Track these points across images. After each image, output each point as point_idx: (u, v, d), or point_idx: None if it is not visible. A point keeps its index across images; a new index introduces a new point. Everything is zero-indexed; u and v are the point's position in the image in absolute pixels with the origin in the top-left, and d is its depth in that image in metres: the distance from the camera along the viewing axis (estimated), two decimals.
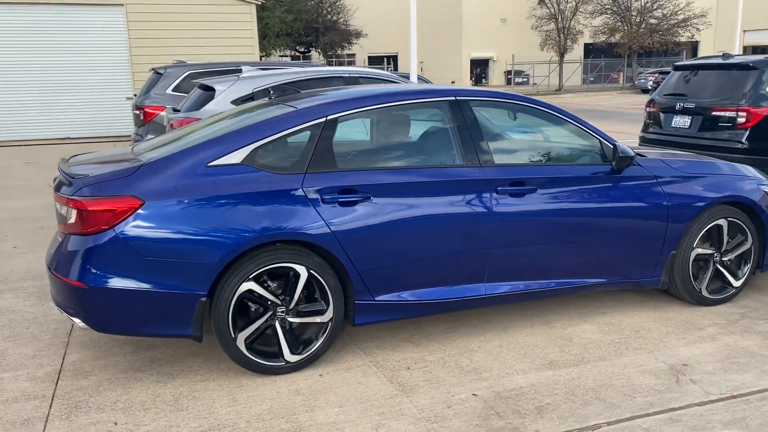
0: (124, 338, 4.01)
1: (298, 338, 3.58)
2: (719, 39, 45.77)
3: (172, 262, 3.28)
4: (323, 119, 3.64)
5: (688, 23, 39.67)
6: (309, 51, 44.61)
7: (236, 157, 3.47)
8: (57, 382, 3.49)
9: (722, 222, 4.36)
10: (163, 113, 9.17)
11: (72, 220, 3.31)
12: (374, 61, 54.04)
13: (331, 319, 3.58)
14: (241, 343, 3.43)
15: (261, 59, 25.48)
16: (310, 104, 3.74)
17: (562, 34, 39.22)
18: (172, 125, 6.49)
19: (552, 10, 39.25)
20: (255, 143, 3.51)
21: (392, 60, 55.63)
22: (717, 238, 4.41)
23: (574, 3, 39.26)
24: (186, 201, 3.31)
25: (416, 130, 4.08)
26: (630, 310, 4.40)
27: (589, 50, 45.78)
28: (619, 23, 40.84)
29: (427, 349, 3.84)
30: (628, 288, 4.35)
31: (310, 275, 3.48)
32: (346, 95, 3.89)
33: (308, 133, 3.61)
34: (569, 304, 4.49)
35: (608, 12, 40.89)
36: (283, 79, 6.53)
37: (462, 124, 3.86)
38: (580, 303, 4.51)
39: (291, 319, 3.52)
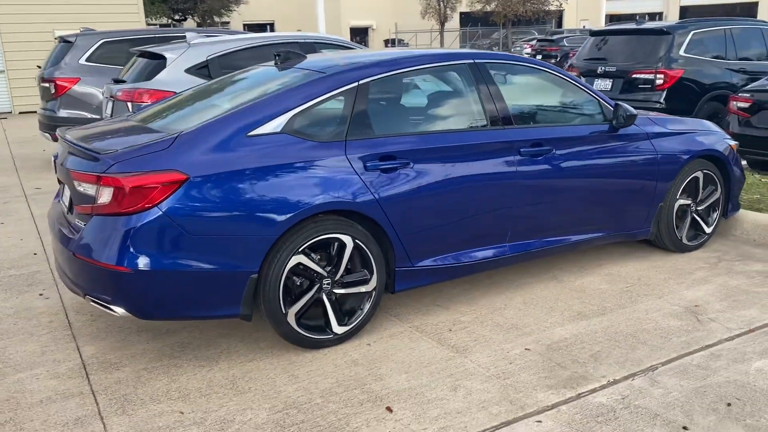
0: (138, 325, 3.74)
1: (341, 309, 3.51)
2: (581, 9, 48.63)
3: (221, 238, 3.10)
4: (356, 84, 3.54)
5: None
6: (185, 18, 42.45)
7: (275, 125, 3.31)
8: (88, 377, 3.21)
9: (699, 174, 4.73)
10: (76, 86, 8.48)
11: (104, 199, 3.03)
12: (250, 29, 52.37)
13: (374, 288, 3.53)
14: (291, 319, 3.31)
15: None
16: (339, 69, 3.61)
17: (441, 3, 39.93)
18: (116, 97, 6.01)
19: None
20: (292, 110, 3.36)
21: (269, 28, 54.20)
22: (694, 189, 4.78)
23: None
24: (231, 174, 3.12)
25: (442, 93, 4.06)
26: (621, 261, 4.69)
27: (467, 19, 46.99)
28: None
29: (458, 311, 3.90)
30: (623, 240, 4.63)
31: (355, 245, 3.41)
32: (374, 58, 3.79)
33: (343, 98, 3.51)
34: (565, 260, 4.70)
35: None
36: (238, 46, 6.22)
37: (484, 87, 3.89)
38: (573, 258, 4.74)
39: (337, 291, 3.44)
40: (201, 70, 6.02)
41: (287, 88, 3.46)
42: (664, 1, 50.22)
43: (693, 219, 4.82)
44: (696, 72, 8.55)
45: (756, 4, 45.22)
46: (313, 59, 4.02)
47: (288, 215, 3.18)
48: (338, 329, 3.45)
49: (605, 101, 4.34)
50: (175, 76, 5.90)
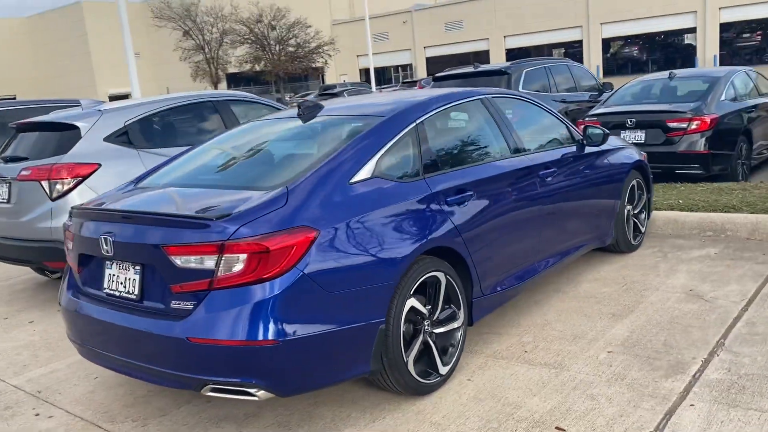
0: (206, 417, 3.27)
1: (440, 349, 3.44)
2: (339, 65, 51.71)
3: (353, 291, 2.92)
4: (415, 123, 3.58)
5: (321, 50, 43.92)
6: None
7: (367, 171, 3.23)
8: None
9: (635, 182, 5.46)
10: None
11: (233, 269, 2.67)
12: None
13: (463, 322, 3.54)
14: (411, 367, 3.18)
15: None
16: (394, 110, 3.60)
17: (212, 65, 39.67)
18: (22, 177, 5.15)
19: (198, 41, 39.42)
20: (376, 155, 3.30)
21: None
22: (632, 195, 5.49)
23: (218, 34, 40.06)
24: (350, 223, 2.96)
25: (474, 126, 4.20)
26: (594, 268, 5.18)
27: (238, 79, 47.17)
28: (261, 52, 43.08)
29: (513, 334, 4.02)
30: (598, 247, 5.15)
31: (447, 281, 3.40)
32: (417, 99, 3.84)
33: (409, 138, 3.51)
34: (548, 275, 5.07)
35: (248, 42, 42.80)
36: (153, 109, 5.73)
37: (499, 119, 4.16)
38: (553, 272, 5.12)
39: (436, 330, 3.39)
40: (120, 137, 5.43)
41: (360, 134, 3.36)
42: (413, 54, 55.42)
43: (634, 222, 5.53)
44: None
45: (487, 51, 51.99)
46: (341, 106, 3.97)
47: (403, 257, 3.10)
48: (443, 370, 3.38)
49: (570, 125, 4.87)
50: (94, 146, 5.23)
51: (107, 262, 3.13)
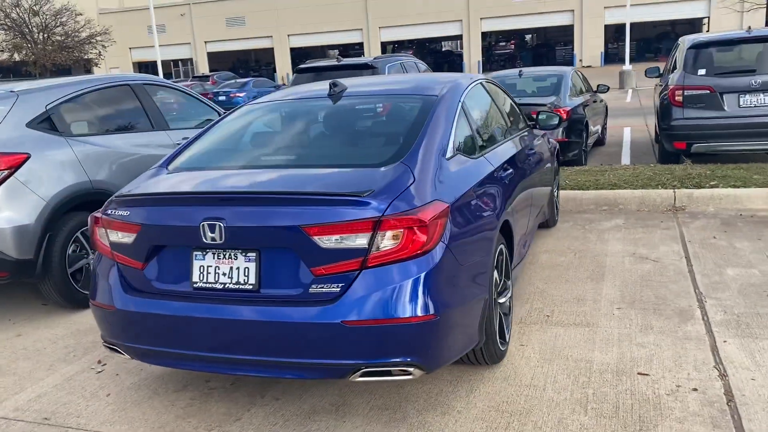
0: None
1: None
2: (112, 56, 47.92)
3: (472, 264, 2.96)
4: (460, 103, 3.65)
5: (93, 40, 40.26)
6: None
7: (451, 148, 3.26)
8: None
9: (557, 164, 6.07)
10: None
11: (388, 245, 2.57)
12: None
13: (511, 294, 3.72)
14: (497, 337, 3.30)
15: None
16: (442, 90, 3.64)
17: None
18: None
19: None
20: (450, 134, 3.34)
21: None
22: (555, 175, 6.10)
23: None
24: (460, 197, 2.99)
25: (491, 107, 4.33)
26: (534, 243, 5.67)
27: None
28: (20, 40, 38.25)
29: (525, 301, 4.31)
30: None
31: (505, 252, 3.57)
32: (447, 78, 3.90)
33: (463, 118, 3.60)
34: None
35: (4, 28, 37.74)
36: (75, 90, 4.98)
37: (498, 101, 4.42)
38: None
39: (500, 300, 3.53)
40: (43, 123, 4.63)
41: (431, 113, 3.34)
42: (193, 48, 53.25)
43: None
44: None
45: (272, 49, 51.83)
46: (380, 85, 3.99)
47: (494, 230, 3.22)
48: (507, 337, 3.55)
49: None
50: (17, 132, 4.40)
51: (197, 253, 2.77)
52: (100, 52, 41.21)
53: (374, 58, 10.30)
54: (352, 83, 3.97)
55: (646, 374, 3.26)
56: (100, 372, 3.72)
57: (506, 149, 4.04)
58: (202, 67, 52.40)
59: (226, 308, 2.69)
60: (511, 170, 3.83)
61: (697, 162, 7.86)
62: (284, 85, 35.26)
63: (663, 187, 6.67)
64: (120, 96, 5.38)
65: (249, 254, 2.69)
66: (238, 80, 30.39)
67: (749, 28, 8.33)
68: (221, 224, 2.65)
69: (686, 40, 8.57)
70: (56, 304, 4.74)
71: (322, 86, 3.97)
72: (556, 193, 6.22)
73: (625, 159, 10.04)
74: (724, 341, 3.56)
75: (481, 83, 4.33)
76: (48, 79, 5.40)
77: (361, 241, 2.57)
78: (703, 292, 4.28)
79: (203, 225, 2.68)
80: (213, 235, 2.67)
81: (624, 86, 26.12)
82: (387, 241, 2.58)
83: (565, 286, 4.56)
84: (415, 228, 2.59)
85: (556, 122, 5.26)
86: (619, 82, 26.47)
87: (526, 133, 4.91)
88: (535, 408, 3.01)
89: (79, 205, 4.65)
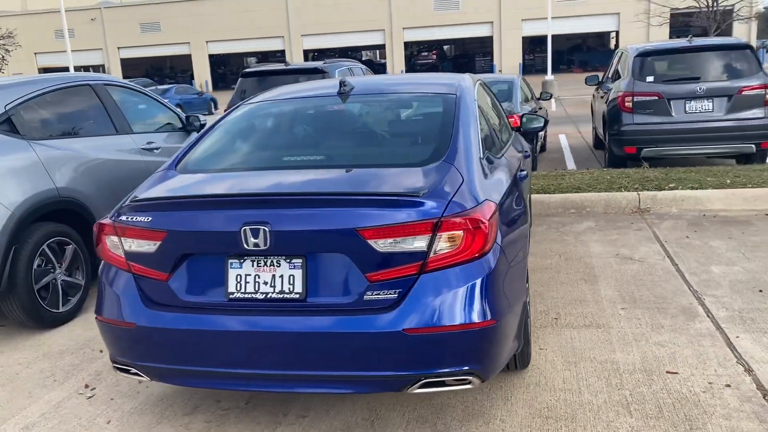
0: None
1: None
2: (15, 60, 45.29)
3: (516, 264, 2.87)
4: (475, 101, 3.55)
5: None
6: None
7: (482, 147, 3.14)
8: None
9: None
10: None
11: (446, 247, 2.42)
12: None
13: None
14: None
15: None
16: (449, 88, 3.52)
17: None
18: None
19: None
20: (478, 134, 3.21)
21: None
22: None
23: None
24: (501, 197, 2.88)
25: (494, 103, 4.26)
26: None
27: None
28: None
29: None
30: None
31: None
32: (454, 79, 3.79)
33: (483, 119, 3.50)
34: None
35: None
36: (36, 89, 4.55)
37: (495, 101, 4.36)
38: None
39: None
40: (3, 125, 4.18)
41: (457, 113, 3.21)
42: (105, 54, 51.14)
43: None
44: None
45: (189, 56, 50.38)
46: (385, 83, 3.83)
47: (527, 230, 3.14)
48: (530, 341, 3.47)
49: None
50: None
51: (233, 261, 2.52)
52: (2, 56, 38.83)
53: (324, 63, 10.11)
54: (357, 82, 3.80)
55: (675, 372, 3.25)
56: (90, 397, 3.36)
57: (514, 149, 3.98)
58: (116, 74, 50.25)
59: (268, 320, 2.46)
60: (525, 171, 3.77)
61: (651, 166, 8.12)
62: (205, 92, 34.30)
63: (626, 190, 6.83)
64: (81, 97, 4.96)
65: (294, 260, 2.47)
66: (159, 87, 29.35)
67: (690, 38, 8.71)
68: (266, 228, 2.42)
69: (630, 49, 8.87)
70: (18, 324, 4.29)
71: (327, 84, 3.78)
72: (529, 196, 6.25)
73: (570, 164, 10.27)
74: (737, 337, 3.61)
75: (480, 83, 4.26)
76: (1, 77, 4.92)
77: (419, 243, 2.41)
78: (698, 290, 4.36)
79: (244, 230, 2.44)
80: (256, 240, 2.43)
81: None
82: (445, 243, 2.43)
83: (561, 288, 4.54)
84: (475, 229, 2.46)
85: (541, 125, 5.25)
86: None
87: (514, 134, 4.89)
88: (578, 413, 2.93)
89: (45, 215, 4.24)
